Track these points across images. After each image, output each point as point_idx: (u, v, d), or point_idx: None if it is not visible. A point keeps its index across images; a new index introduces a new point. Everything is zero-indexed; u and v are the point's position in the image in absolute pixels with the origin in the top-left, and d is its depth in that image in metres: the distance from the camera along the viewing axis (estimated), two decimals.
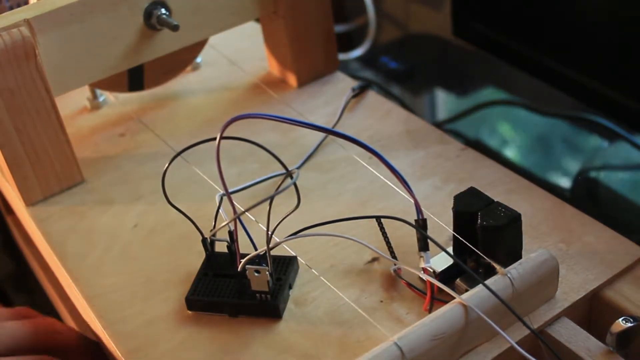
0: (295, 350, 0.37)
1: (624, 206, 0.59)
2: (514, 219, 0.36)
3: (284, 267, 0.40)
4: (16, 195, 0.49)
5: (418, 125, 0.52)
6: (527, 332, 0.35)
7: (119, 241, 0.45)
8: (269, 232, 0.37)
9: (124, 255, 0.44)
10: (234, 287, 0.39)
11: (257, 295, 0.39)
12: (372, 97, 0.56)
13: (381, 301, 0.39)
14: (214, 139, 0.35)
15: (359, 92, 0.55)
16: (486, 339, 0.36)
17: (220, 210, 0.41)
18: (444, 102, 0.75)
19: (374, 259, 0.41)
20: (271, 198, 0.36)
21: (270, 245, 0.38)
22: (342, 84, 0.57)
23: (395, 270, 0.40)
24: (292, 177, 0.36)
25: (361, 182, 0.47)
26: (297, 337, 0.38)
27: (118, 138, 0.55)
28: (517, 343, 0.34)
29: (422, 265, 0.38)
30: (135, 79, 0.55)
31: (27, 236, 0.64)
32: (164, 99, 0.59)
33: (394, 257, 0.40)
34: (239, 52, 0.63)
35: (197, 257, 0.42)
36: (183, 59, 0.57)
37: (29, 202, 0.49)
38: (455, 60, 0.77)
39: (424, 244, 0.38)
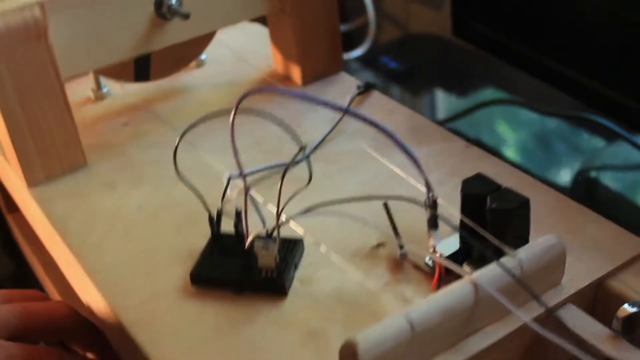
0: (301, 326, 0.37)
1: (623, 206, 0.59)
2: (524, 203, 0.37)
3: (290, 248, 0.40)
4: (18, 176, 0.49)
5: (422, 123, 0.53)
6: (534, 314, 0.35)
7: (122, 222, 0.45)
8: (279, 208, 0.37)
9: (127, 236, 0.44)
10: (240, 263, 0.39)
11: (263, 272, 0.39)
12: (376, 96, 0.56)
13: (387, 283, 0.39)
14: (227, 112, 0.35)
15: (364, 91, 0.55)
16: (495, 319, 0.36)
17: (227, 191, 0.41)
18: (444, 102, 0.75)
19: (380, 245, 0.42)
20: (285, 169, 0.37)
21: (279, 222, 0.38)
22: (347, 84, 0.58)
23: (401, 255, 0.40)
24: (304, 152, 0.36)
25: (368, 174, 0.47)
26: (303, 314, 0.38)
27: (122, 127, 0.55)
28: (525, 325, 0.34)
29: (432, 243, 0.38)
30: (141, 69, 0.55)
31: (27, 236, 0.64)
32: (169, 93, 0.59)
33: (401, 242, 0.40)
34: (243, 52, 0.64)
35: (202, 239, 0.42)
36: (190, 52, 0.58)
37: (31, 183, 0.49)
38: (455, 60, 0.77)
39: (434, 222, 0.38)
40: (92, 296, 0.42)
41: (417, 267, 0.39)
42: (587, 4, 0.55)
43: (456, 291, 0.34)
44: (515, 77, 0.68)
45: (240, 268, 0.39)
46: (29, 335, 0.43)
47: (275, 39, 0.58)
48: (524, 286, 0.34)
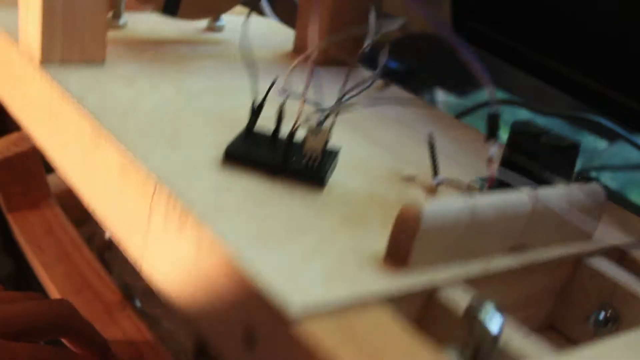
0: (337, 213, 0.35)
1: (623, 206, 0.59)
2: (575, 144, 0.37)
3: (327, 154, 0.39)
4: (27, 55, 0.48)
5: (439, 114, 0.54)
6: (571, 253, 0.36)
7: (144, 107, 0.43)
8: (343, 93, 0.37)
9: (149, 120, 0.42)
10: (279, 149, 0.38)
11: (305, 159, 0.37)
12: (393, 88, 0.58)
13: (426, 198, 0.39)
14: None
15: (382, 77, 0.56)
16: (546, 242, 0.36)
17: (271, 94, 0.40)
18: (444, 102, 0.75)
19: (411, 177, 0.41)
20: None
21: (338, 106, 0.37)
22: (363, 74, 0.58)
23: (438, 182, 0.40)
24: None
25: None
26: (339, 204, 0.36)
27: (141, 51, 0.54)
28: (560, 259, 0.35)
29: (490, 152, 0.37)
30: (172, 1, 0.55)
31: (27, 236, 0.64)
32: (189, 38, 0.59)
33: (437, 173, 0.40)
34: (260, 31, 0.65)
35: (230, 138, 0.40)
36: (220, 4, 0.58)
37: (46, 59, 0.47)
38: (455, 60, 0.77)
39: (494, 131, 0.37)
40: (109, 155, 0.39)
41: (458, 188, 0.39)
42: (587, 4, 0.55)
43: (514, 195, 0.34)
44: (515, 77, 0.68)
45: (280, 152, 0.38)
46: (30, 334, 0.43)
47: (303, 16, 0.59)
48: (586, 210, 0.34)
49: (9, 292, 0.46)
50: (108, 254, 0.67)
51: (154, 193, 0.35)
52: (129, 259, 0.38)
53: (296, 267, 0.30)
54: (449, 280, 0.32)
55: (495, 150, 0.37)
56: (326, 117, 0.37)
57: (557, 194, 0.35)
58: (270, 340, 0.28)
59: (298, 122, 0.38)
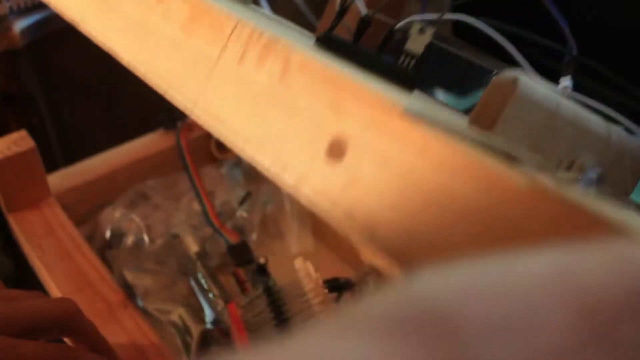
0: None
1: None
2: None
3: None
4: None
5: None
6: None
7: None
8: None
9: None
10: (371, 50, 0.36)
11: (400, 59, 0.36)
12: None
13: None
14: None
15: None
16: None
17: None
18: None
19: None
20: None
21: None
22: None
23: None
24: None
25: None
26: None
27: None
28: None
29: (564, 84, 0.39)
30: None
31: (27, 236, 0.64)
32: None
33: None
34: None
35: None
36: None
37: None
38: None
39: (570, 68, 0.39)
40: (176, 8, 0.37)
41: None
42: (588, 3, 0.55)
43: (593, 115, 0.34)
44: None
45: (375, 49, 0.36)
46: (34, 332, 0.43)
47: None
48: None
49: (14, 290, 0.45)
50: (109, 253, 0.66)
51: (232, 32, 0.33)
52: (177, 106, 0.36)
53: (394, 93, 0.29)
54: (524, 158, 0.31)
55: (569, 83, 0.39)
56: (431, 22, 0.37)
57: (626, 136, 0.35)
58: (366, 143, 0.27)
59: (398, 25, 0.37)
